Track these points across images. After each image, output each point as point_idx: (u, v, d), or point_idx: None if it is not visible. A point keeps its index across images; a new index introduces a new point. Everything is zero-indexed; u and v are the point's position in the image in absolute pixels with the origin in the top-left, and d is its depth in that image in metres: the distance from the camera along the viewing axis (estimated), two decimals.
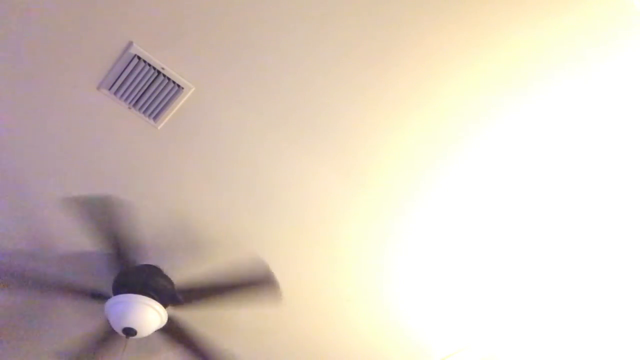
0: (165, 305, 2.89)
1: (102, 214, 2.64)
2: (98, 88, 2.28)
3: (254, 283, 2.88)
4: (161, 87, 2.27)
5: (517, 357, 3.38)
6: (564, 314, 3.14)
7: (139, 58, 2.18)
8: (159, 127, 2.41)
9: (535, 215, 2.68)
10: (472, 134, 2.39)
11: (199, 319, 3.27)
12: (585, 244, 2.78)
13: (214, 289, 2.88)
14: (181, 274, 3.00)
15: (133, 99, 2.31)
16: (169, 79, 2.25)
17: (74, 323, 3.37)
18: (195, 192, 2.65)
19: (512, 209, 2.66)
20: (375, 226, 2.78)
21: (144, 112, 2.36)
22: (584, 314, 3.11)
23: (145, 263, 2.96)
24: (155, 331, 3.03)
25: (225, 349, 3.46)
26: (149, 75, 2.24)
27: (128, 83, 2.26)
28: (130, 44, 2.14)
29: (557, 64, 2.16)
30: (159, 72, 2.23)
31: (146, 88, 2.28)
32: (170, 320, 3.04)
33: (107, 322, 3.11)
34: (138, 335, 2.78)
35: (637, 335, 3.09)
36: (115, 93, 2.29)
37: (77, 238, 2.83)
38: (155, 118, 2.38)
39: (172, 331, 3.08)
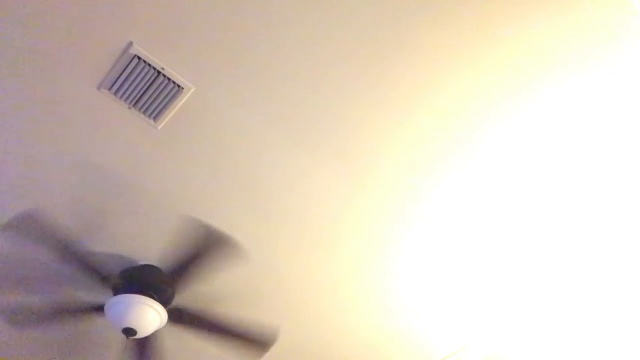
0: (165, 305, 2.89)
1: (32, 231, 2.65)
2: (98, 88, 2.28)
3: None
4: (161, 87, 2.27)
5: (517, 357, 3.38)
6: (563, 314, 3.14)
7: (139, 58, 2.18)
8: (159, 127, 2.41)
9: (535, 216, 2.68)
10: (474, 135, 2.39)
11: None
12: (585, 245, 2.78)
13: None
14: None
15: (133, 99, 2.31)
16: (169, 79, 2.25)
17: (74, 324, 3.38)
18: (196, 192, 2.65)
19: (512, 210, 2.66)
20: (376, 227, 2.78)
21: (144, 112, 2.36)
22: (584, 314, 3.11)
23: (145, 263, 2.96)
24: (167, 324, 3.00)
25: (241, 317, 3.35)
26: (149, 75, 2.24)
27: (128, 83, 2.26)
28: (130, 44, 2.14)
29: (557, 64, 2.16)
30: (159, 72, 2.23)
31: (146, 88, 2.28)
32: (178, 309, 3.01)
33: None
34: (138, 335, 2.79)
35: (637, 335, 3.09)
36: (115, 93, 2.29)
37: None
38: (155, 118, 2.38)
39: (184, 318, 3.04)
